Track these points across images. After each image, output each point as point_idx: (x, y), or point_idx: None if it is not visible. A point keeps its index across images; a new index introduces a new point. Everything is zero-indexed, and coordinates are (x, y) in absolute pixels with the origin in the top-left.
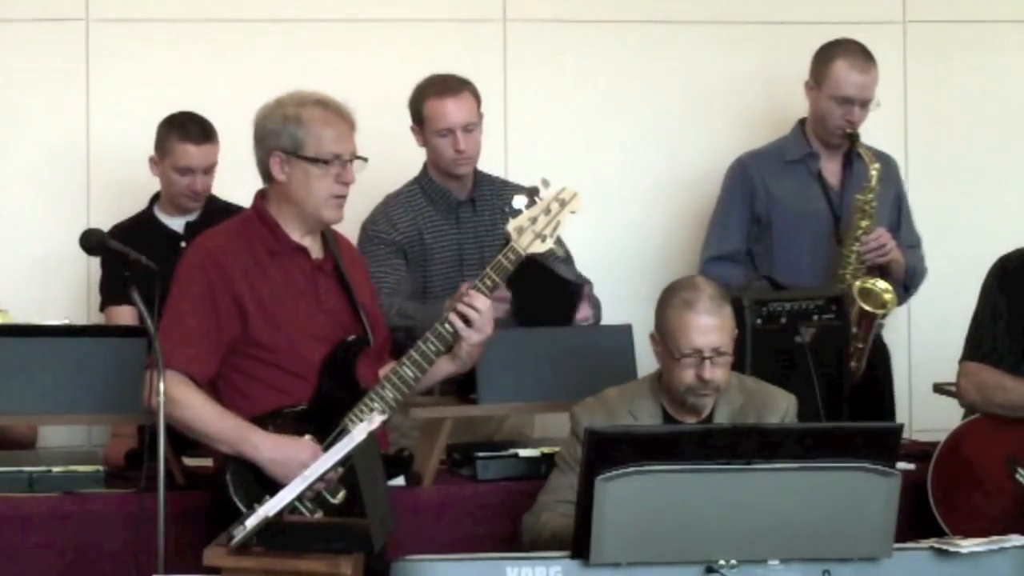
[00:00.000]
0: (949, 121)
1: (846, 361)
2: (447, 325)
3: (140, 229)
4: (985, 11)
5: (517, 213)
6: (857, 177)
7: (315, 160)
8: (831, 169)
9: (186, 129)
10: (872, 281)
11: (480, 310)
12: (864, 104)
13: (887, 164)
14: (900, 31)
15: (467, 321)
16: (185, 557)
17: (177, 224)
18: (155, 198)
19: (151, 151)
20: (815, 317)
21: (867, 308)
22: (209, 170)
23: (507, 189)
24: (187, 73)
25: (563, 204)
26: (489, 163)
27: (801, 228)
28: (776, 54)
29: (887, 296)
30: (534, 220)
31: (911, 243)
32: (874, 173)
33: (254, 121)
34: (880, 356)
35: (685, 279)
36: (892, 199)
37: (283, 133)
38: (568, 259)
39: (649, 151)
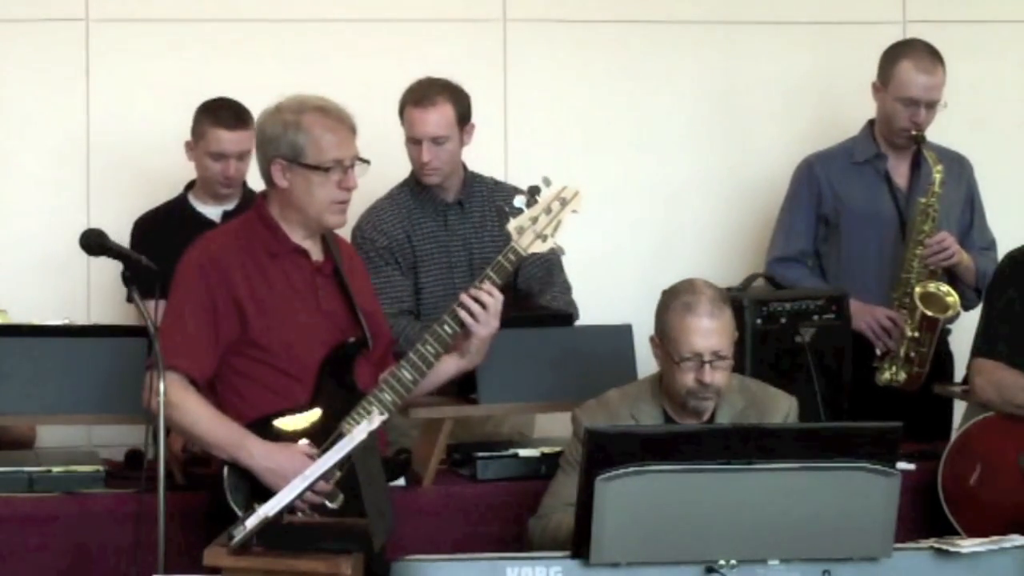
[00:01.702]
0: (948, 121)
1: (846, 361)
2: (446, 327)
3: (174, 216)
4: (985, 11)
5: (518, 212)
6: (925, 179)
7: (316, 168)
8: (899, 170)
9: (219, 114)
10: (934, 285)
11: (486, 304)
12: (930, 105)
13: (959, 164)
14: (900, 31)
15: (474, 316)
16: (185, 557)
17: (213, 212)
18: (190, 185)
19: (151, 150)
20: (815, 317)
21: (929, 313)
22: (243, 156)
23: (497, 190)
24: (187, 73)
25: (564, 203)
26: (489, 163)
27: (868, 230)
28: (776, 54)
29: (949, 300)
30: (535, 220)
31: (984, 245)
32: (937, 176)
33: (256, 126)
34: (941, 363)
35: (685, 282)
36: (964, 200)
37: (283, 140)
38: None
39: (648, 151)
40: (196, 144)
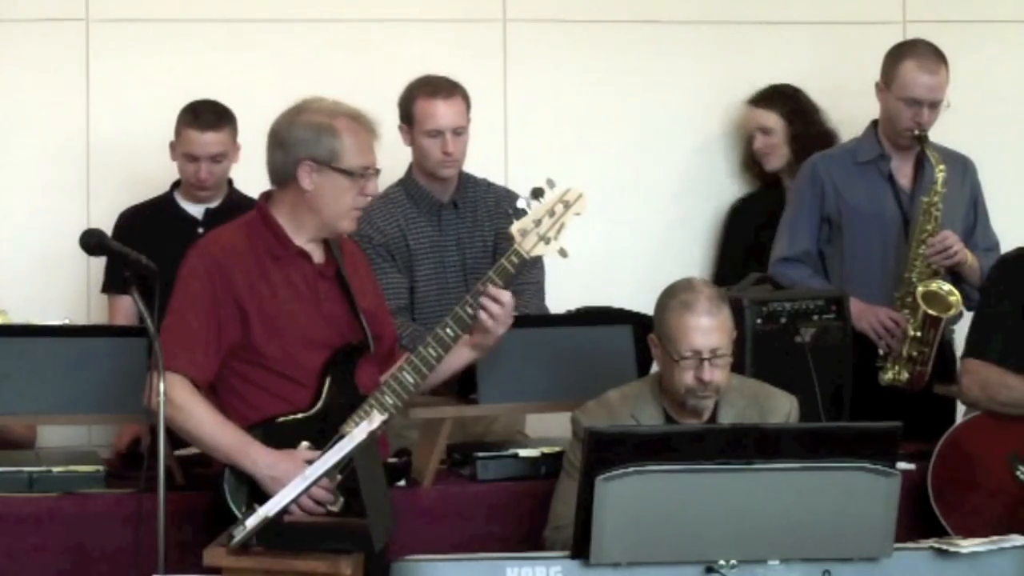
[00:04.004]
0: (948, 121)
1: (846, 361)
2: (448, 330)
3: (157, 212)
4: (985, 11)
5: (521, 214)
6: (929, 179)
7: (348, 172)
8: (903, 171)
9: (195, 115)
10: (937, 284)
11: (504, 303)
12: (933, 105)
13: (963, 166)
14: (900, 31)
15: (493, 315)
16: (185, 557)
17: (196, 210)
18: (177, 183)
19: (151, 150)
20: (815, 317)
21: (931, 312)
22: (217, 159)
23: (491, 191)
24: (187, 73)
25: (568, 206)
26: (489, 163)
27: (871, 230)
28: (776, 54)
29: (952, 299)
30: (538, 222)
31: (988, 246)
32: (939, 176)
33: (275, 126)
34: (945, 362)
35: (683, 281)
36: (967, 201)
37: (318, 142)
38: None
39: (649, 151)
40: (175, 144)
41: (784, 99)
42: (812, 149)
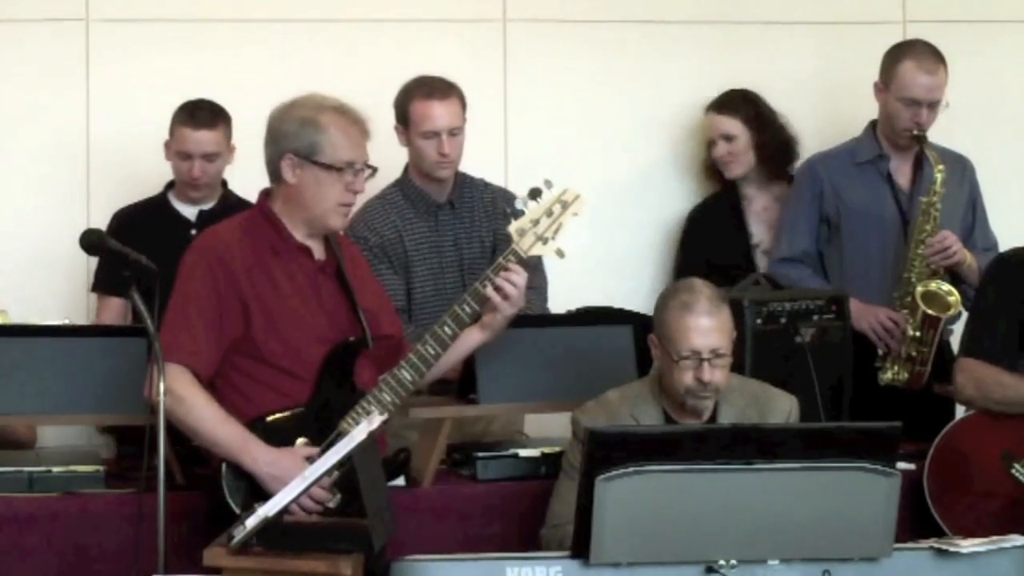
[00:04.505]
0: (949, 121)
1: (846, 361)
2: (446, 328)
3: (150, 212)
4: (985, 11)
5: (519, 214)
6: (927, 179)
7: (328, 167)
8: (902, 171)
9: (189, 113)
10: (936, 284)
11: (518, 284)
12: (932, 106)
13: (961, 166)
14: (900, 31)
15: (507, 296)
16: (185, 557)
17: (190, 211)
18: (171, 184)
19: (151, 150)
20: (815, 317)
21: (930, 312)
22: (210, 158)
23: (488, 191)
24: (187, 73)
25: (565, 206)
26: (488, 164)
27: (870, 230)
28: (776, 54)
29: (951, 299)
30: (536, 222)
31: (986, 246)
32: (938, 176)
33: (268, 120)
34: (943, 362)
35: (683, 281)
36: (966, 201)
37: (299, 136)
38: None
39: (648, 152)
40: (170, 143)
41: (746, 105)
42: (775, 157)
